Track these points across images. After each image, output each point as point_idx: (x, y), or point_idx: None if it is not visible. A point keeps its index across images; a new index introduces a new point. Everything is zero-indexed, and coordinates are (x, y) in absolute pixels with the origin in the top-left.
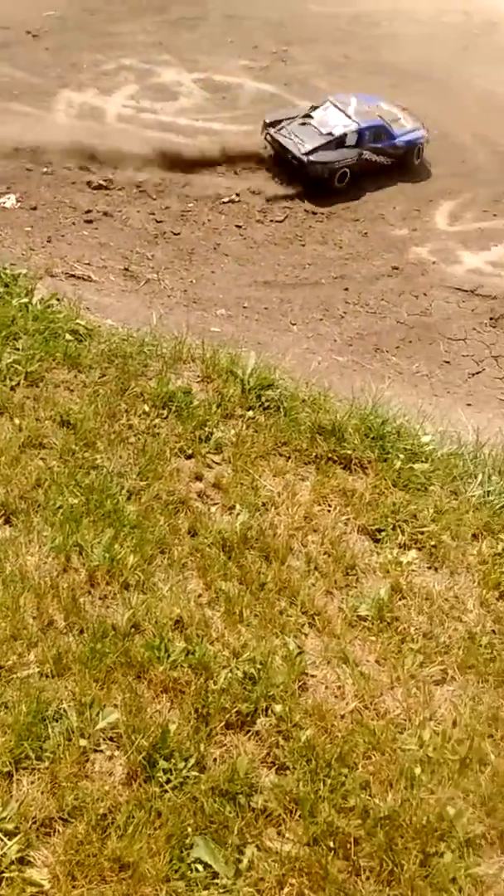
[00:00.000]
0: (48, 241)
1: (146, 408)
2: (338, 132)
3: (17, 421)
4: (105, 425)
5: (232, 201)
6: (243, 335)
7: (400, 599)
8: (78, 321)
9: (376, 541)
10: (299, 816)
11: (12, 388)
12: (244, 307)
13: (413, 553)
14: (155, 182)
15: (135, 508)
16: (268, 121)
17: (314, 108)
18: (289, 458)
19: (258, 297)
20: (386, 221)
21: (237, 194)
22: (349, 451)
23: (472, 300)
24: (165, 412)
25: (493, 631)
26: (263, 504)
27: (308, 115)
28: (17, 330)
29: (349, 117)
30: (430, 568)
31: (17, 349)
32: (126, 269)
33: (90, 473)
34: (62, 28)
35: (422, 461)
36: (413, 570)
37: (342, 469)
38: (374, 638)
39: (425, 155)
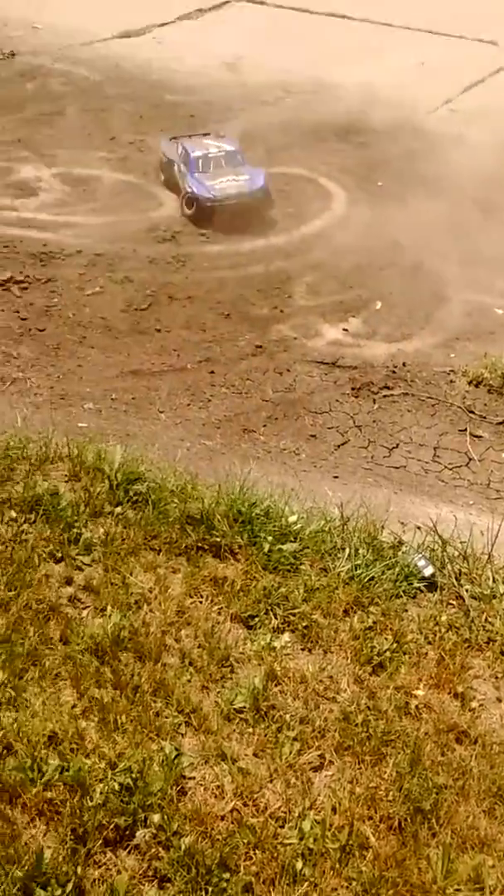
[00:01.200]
0: None
1: (13, 514)
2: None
3: None
4: None
5: (96, 293)
6: (112, 427)
7: (275, 686)
8: None
9: (249, 627)
10: None
11: None
12: (112, 399)
13: (286, 636)
14: (18, 279)
15: (3, 622)
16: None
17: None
18: (159, 551)
19: (125, 387)
20: (248, 301)
21: (101, 286)
22: (218, 539)
23: (334, 372)
24: (33, 516)
25: (368, 707)
26: (136, 602)
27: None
28: None
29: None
30: (303, 649)
31: None
32: None
33: None
34: None
35: (290, 541)
36: (287, 654)
37: (213, 557)
38: (251, 730)
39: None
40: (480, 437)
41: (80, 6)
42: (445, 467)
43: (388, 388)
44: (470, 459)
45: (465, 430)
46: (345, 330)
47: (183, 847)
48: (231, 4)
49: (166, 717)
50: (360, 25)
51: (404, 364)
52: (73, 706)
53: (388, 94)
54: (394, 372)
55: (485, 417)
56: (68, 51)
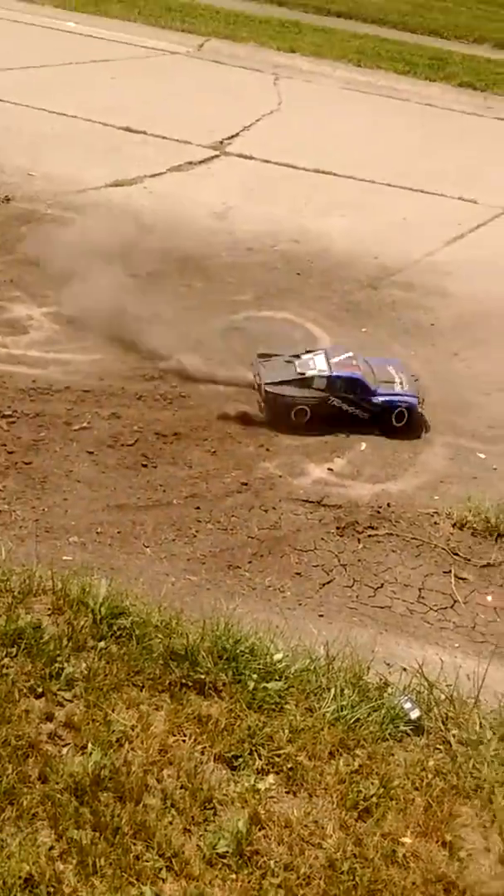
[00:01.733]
0: None
1: None
2: (308, 374)
3: None
4: None
5: (84, 428)
6: (97, 561)
7: (259, 830)
8: None
9: (233, 768)
10: None
11: None
12: (97, 532)
13: (271, 778)
14: (6, 413)
15: None
16: (259, 353)
17: (308, 351)
18: (142, 687)
19: (111, 521)
20: (234, 439)
21: (88, 422)
22: (203, 676)
23: (319, 510)
24: (14, 650)
25: (354, 855)
26: (117, 740)
27: (296, 356)
28: None
29: (328, 365)
30: (288, 792)
31: None
32: None
33: None
34: None
35: (275, 679)
36: (271, 797)
37: (196, 694)
38: (234, 876)
39: None
40: (465, 579)
41: (73, 158)
42: (430, 608)
43: (372, 527)
44: (455, 601)
45: (450, 571)
46: (329, 469)
47: None
48: (220, 158)
49: (147, 861)
50: (345, 181)
51: (388, 505)
52: (51, 847)
53: (370, 246)
54: (378, 512)
55: (469, 560)
56: (62, 197)
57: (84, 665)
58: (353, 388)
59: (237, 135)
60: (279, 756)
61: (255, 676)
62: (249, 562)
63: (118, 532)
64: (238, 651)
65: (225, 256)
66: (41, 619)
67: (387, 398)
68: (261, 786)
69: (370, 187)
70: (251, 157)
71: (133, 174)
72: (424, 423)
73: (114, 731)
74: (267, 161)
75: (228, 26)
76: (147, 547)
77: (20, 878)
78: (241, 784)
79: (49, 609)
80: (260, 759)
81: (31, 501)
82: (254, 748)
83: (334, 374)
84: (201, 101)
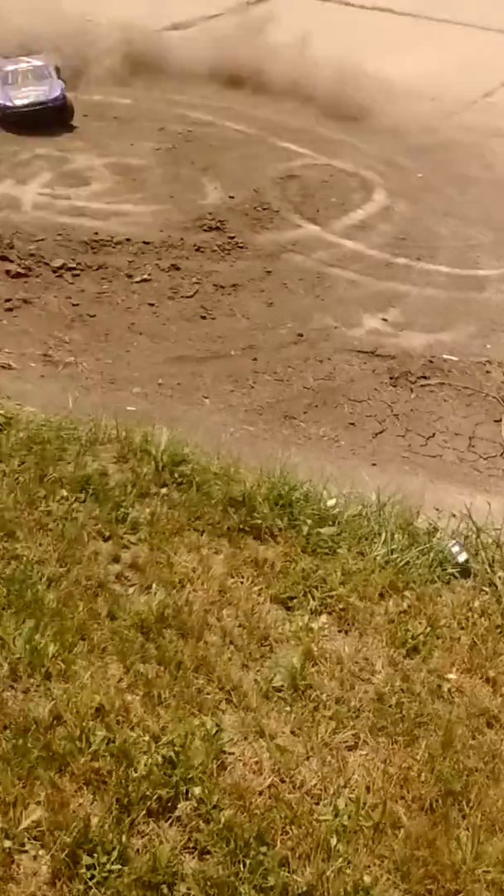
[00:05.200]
0: None
1: (64, 492)
2: None
3: None
4: (25, 513)
5: (145, 280)
6: (158, 411)
7: (312, 666)
8: None
9: (288, 608)
10: None
11: None
12: (159, 383)
13: (324, 618)
14: (70, 266)
15: (54, 596)
16: None
17: None
18: (202, 532)
19: (172, 373)
20: (290, 291)
21: (149, 274)
22: (259, 521)
23: (373, 361)
24: (83, 496)
25: (402, 690)
26: (179, 581)
27: None
28: None
29: None
30: (340, 631)
31: None
32: (45, 355)
33: (10, 563)
34: None
35: (329, 524)
36: (324, 636)
37: (253, 539)
38: (288, 708)
39: None
40: None
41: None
42: (480, 457)
43: (425, 377)
44: None
45: (501, 420)
46: (384, 319)
47: (222, 820)
48: None
49: (207, 694)
50: (402, 19)
51: (441, 355)
52: (119, 680)
53: (426, 87)
54: (431, 362)
55: None
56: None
57: (148, 510)
58: None
59: None
60: (332, 597)
61: (309, 522)
62: (304, 412)
63: (178, 384)
64: (293, 497)
65: (283, 100)
66: (107, 467)
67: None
68: (314, 625)
69: (428, 24)
70: None
71: (191, 16)
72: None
73: (176, 572)
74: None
75: None
76: (206, 398)
77: (92, 707)
78: (295, 623)
79: (114, 457)
80: (314, 600)
81: (96, 353)
82: (308, 590)
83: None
84: None
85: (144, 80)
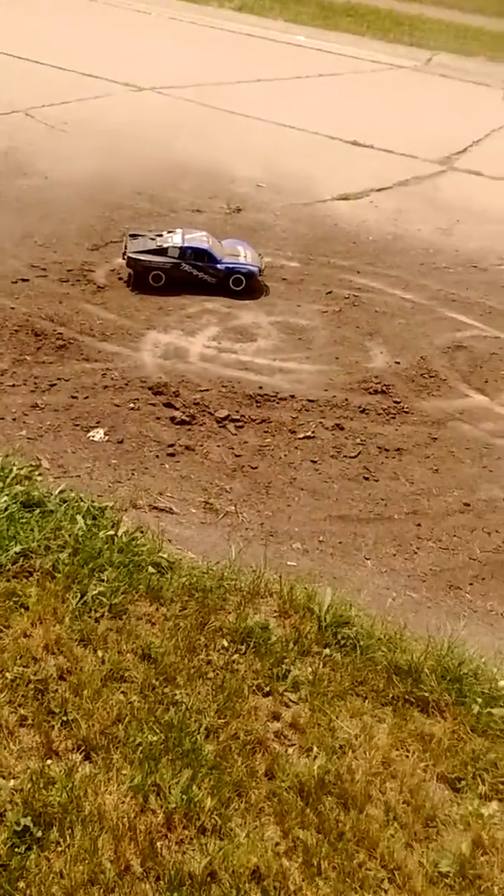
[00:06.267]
0: (132, 474)
1: (225, 643)
2: (165, 245)
3: (100, 653)
4: (185, 660)
5: (308, 437)
6: (318, 568)
7: (482, 855)
8: (161, 554)
9: (456, 790)
10: None
11: (96, 620)
12: (319, 540)
13: (494, 805)
14: (234, 418)
15: (213, 748)
16: (130, 232)
17: (168, 231)
18: (365, 698)
19: (333, 530)
20: (456, 459)
21: (312, 431)
22: (426, 694)
23: None
24: (243, 647)
25: None
26: (340, 747)
27: (159, 234)
28: (104, 562)
29: (182, 240)
30: None
31: (103, 581)
32: (206, 503)
33: (169, 710)
34: None
35: (500, 706)
36: (495, 824)
37: (419, 711)
38: None
39: None
40: None
41: (301, 170)
42: None
43: None
44: None
45: None
46: None
47: None
48: (447, 173)
49: (369, 870)
50: None
51: None
52: (277, 844)
53: None
54: None
55: None
56: (290, 209)
57: (309, 670)
58: (201, 256)
59: (465, 150)
60: (503, 784)
61: (479, 700)
62: (471, 584)
63: (339, 542)
64: (462, 672)
65: (452, 273)
66: (268, 621)
67: (228, 265)
68: (484, 811)
69: None
70: (480, 174)
71: (360, 188)
72: (265, 289)
73: (337, 737)
74: (497, 178)
75: (458, 40)
76: (368, 559)
77: (248, 869)
78: (463, 807)
79: (275, 611)
80: (483, 784)
81: (257, 505)
82: (477, 772)
83: (186, 245)
84: (428, 115)
85: (313, 244)
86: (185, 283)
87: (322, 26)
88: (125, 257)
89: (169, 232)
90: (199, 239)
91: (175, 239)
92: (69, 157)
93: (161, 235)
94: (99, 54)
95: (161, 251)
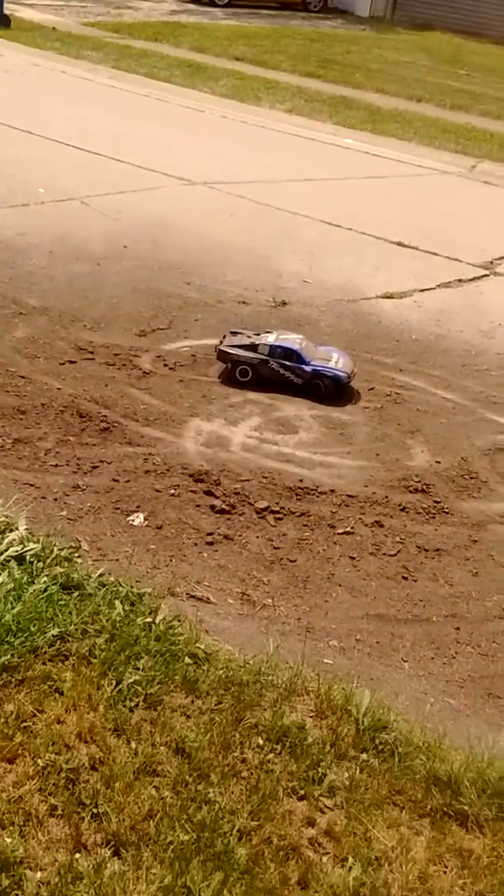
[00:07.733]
0: (171, 560)
1: (260, 741)
2: (256, 342)
3: (133, 745)
4: (219, 756)
5: (347, 533)
6: (355, 668)
7: None
8: (198, 644)
9: None
10: None
11: (131, 710)
12: (356, 639)
13: None
14: (274, 510)
15: (245, 851)
16: (231, 330)
17: (267, 331)
18: (403, 808)
19: (370, 630)
20: (497, 562)
21: (352, 527)
22: (465, 807)
23: None
24: (279, 747)
25: None
26: (377, 858)
27: (257, 334)
28: (140, 650)
29: (275, 339)
30: None
31: (139, 669)
32: (243, 594)
33: (202, 808)
34: (194, 362)
35: None
36: None
37: (458, 825)
38: None
39: None
40: None
41: (347, 267)
42: None
43: None
44: None
45: None
46: None
47: None
48: (490, 277)
49: None
50: None
51: None
52: None
53: None
54: None
55: None
56: (335, 305)
57: (346, 775)
58: (290, 356)
59: None
60: None
61: None
62: None
63: (377, 642)
64: (503, 787)
65: (494, 375)
66: (305, 720)
67: (315, 368)
68: None
69: None
70: None
71: (404, 287)
72: (355, 396)
73: (374, 848)
74: None
75: (502, 149)
76: (405, 661)
77: None
78: None
79: (312, 711)
80: None
81: (294, 599)
82: None
83: (276, 343)
84: (472, 220)
85: (356, 340)
86: (273, 382)
87: (370, 130)
88: (216, 350)
89: (267, 332)
90: (292, 340)
91: (269, 338)
92: (121, 245)
93: (259, 335)
94: (153, 148)
95: (252, 347)
